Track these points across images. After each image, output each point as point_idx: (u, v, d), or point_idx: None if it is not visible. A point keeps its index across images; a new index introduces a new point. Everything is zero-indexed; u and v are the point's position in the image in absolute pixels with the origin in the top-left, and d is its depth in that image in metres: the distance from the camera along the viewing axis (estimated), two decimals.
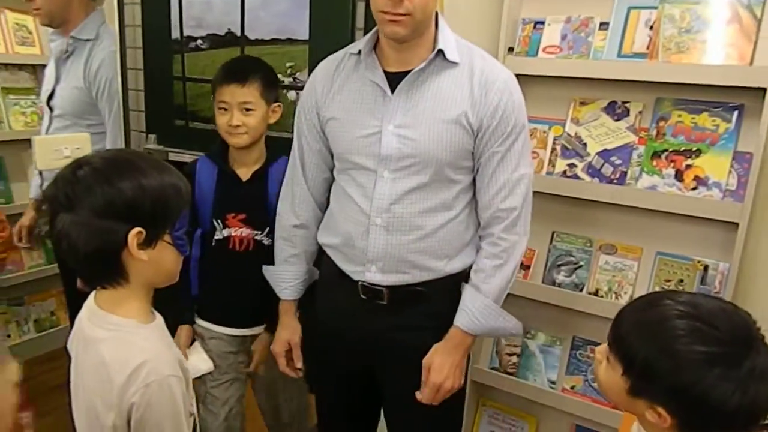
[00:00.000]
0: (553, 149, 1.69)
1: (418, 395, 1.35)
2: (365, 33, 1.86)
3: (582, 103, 1.66)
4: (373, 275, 1.34)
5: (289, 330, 1.52)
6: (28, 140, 2.42)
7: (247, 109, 1.57)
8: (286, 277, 1.52)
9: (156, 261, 0.99)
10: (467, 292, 1.35)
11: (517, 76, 1.62)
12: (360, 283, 1.37)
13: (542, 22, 1.65)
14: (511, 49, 1.68)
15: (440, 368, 1.33)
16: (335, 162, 1.43)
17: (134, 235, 0.95)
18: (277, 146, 1.71)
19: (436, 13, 1.30)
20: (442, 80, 1.29)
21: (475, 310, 1.33)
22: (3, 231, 2.26)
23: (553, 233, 1.74)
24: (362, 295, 1.37)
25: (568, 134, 1.67)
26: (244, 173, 1.65)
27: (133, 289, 1.01)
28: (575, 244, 1.70)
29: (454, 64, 1.29)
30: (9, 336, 2.80)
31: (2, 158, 2.81)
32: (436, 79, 1.29)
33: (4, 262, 2.47)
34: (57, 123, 2.16)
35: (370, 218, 1.32)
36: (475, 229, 1.39)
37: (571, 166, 1.65)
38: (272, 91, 1.62)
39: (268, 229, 1.61)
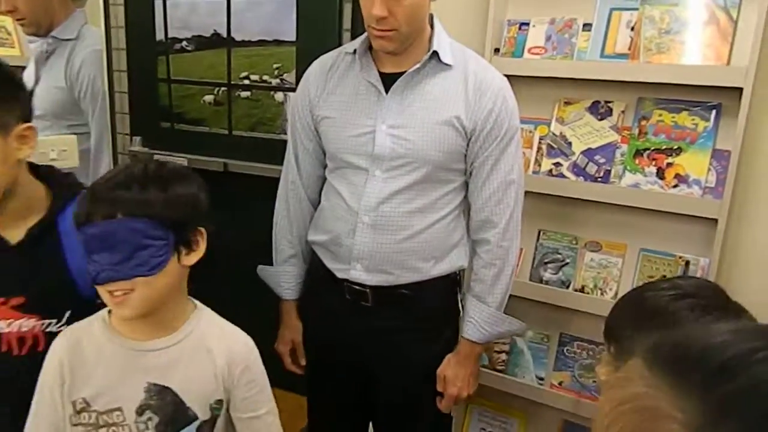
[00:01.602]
0: (539, 149, 1.72)
1: (438, 404, 1.41)
2: (352, 34, 1.88)
3: (567, 103, 1.69)
4: (358, 274, 1.35)
5: (292, 329, 1.53)
6: None
7: None
8: (286, 278, 1.52)
9: None
10: (471, 304, 1.38)
11: (504, 76, 1.66)
12: (345, 283, 1.38)
13: (527, 24, 1.68)
14: (497, 50, 1.70)
15: (455, 379, 1.39)
16: (327, 161, 1.44)
17: None
18: (270, 146, 1.69)
19: (431, 15, 1.32)
20: (437, 82, 1.31)
21: (482, 320, 1.36)
22: None
23: (539, 231, 1.77)
24: (347, 296, 1.38)
25: (554, 134, 1.70)
26: (13, 234, 1.07)
27: None
28: (561, 241, 1.73)
29: (449, 66, 1.30)
30: None
31: None
32: (430, 80, 1.31)
33: None
34: (36, 124, 2.13)
35: (358, 216, 1.33)
36: (463, 231, 1.41)
37: (557, 165, 1.68)
38: (10, 112, 1.03)
39: (69, 313, 1.09)
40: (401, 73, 1.30)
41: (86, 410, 1.00)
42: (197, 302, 1.09)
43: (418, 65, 1.29)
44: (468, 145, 1.32)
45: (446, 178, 1.34)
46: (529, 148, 1.73)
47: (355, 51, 1.34)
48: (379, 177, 1.32)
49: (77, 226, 0.95)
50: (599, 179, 1.63)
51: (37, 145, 1.08)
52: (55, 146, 1.72)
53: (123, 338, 1.02)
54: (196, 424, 1.04)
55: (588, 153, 1.65)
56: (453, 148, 1.30)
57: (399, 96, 1.31)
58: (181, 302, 1.06)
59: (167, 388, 1.02)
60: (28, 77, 2.16)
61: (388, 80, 1.32)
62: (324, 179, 1.47)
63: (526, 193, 1.68)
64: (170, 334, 1.03)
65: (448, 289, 1.41)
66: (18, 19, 2.05)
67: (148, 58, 2.23)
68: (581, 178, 1.65)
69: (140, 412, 1.00)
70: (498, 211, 1.34)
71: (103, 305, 1.01)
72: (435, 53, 1.29)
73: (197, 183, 1.03)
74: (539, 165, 1.71)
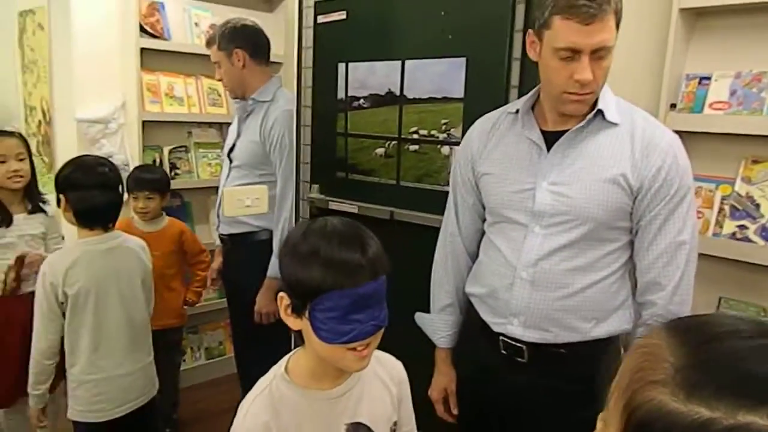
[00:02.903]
0: (721, 209, 1.59)
1: None
2: (519, 91, 1.91)
3: (754, 161, 1.55)
4: (515, 329, 1.35)
5: (447, 377, 1.56)
6: (212, 188, 2.76)
7: None
8: (442, 326, 1.57)
9: (306, 334, 1.03)
10: None
11: (680, 132, 1.57)
12: (501, 337, 1.37)
13: (708, 78, 1.59)
14: (673, 106, 1.63)
15: None
16: (487, 215, 1.46)
17: (280, 297, 1.04)
18: (434, 197, 1.75)
19: None
20: (601, 140, 1.29)
21: None
22: (205, 270, 2.63)
23: (720, 299, 1.62)
24: (503, 350, 1.38)
25: (738, 194, 1.56)
26: None
27: (307, 350, 1.08)
28: (746, 311, 1.57)
29: (614, 124, 1.28)
30: (184, 360, 3.13)
31: (190, 203, 3.22)
32: (594, 138, 1.29)
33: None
34: (235, 173, 2.45)
35: (516, 271, 1.33)
36: (628, 293, 1.34)
37: (742, 227, 1.54)
38: None
39: None
40: (563, 132, 1.30)
41: None
42: None
43: (582, 123, 1.29)
44: (634, 203, 1.27)
45: (610, 237, 1.30)
46: (708, 209, 1.60)
47: (517, 111, 1.37)
48: (539, 233, 1.32)
49: (324, 291, 0.96)
50: None
51: None
52: (250, 195, 1.96)
53: (316, 392, 1.08)
54: None
55: None
56: (617, 206, 1.27)
57: (561, 154, 1.31)
58: None
59: (360, 423, 1.10)
60: (231, 131, 2.51)
61: (550, 138, 1.32)
62: (483, 233, 1.50)
63: (705, 256, 1.56)
64: (349, 376, 1.10)
65: (609, 353, 1.35)
66: (224, 86, 2.43)
67: (330, 114, 2.46)
68: None
69: None
70: (666, 273, 1.27)
71: None
72: (599, 111, 1.28)
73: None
74: (720, 227, 1.58)
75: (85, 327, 1.79)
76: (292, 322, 1.03)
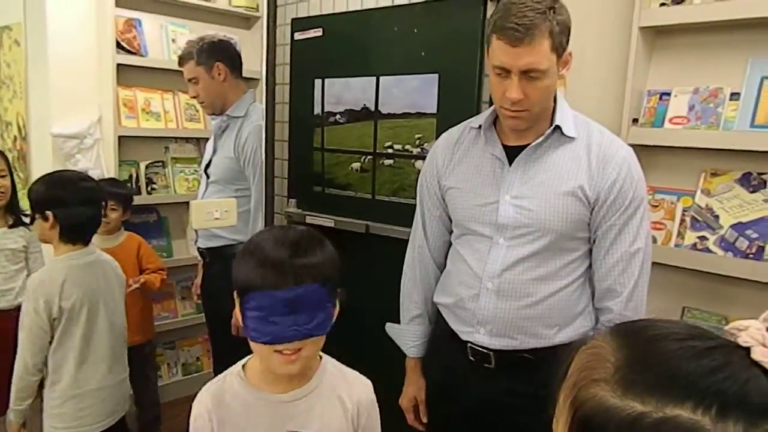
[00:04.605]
0: (682, 221, 1.64)
1: None
2: (490, 105, 1.96)
3: (713, 174, 1.61)
4: (482, 337, 1.38)
5: (416, 386, 1.58)
6: (188, 203, 2.77)
7: None
8: (411, 336, 1.59)
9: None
10: None
11: (642, 146, 1.63)
12: (469, 344, 1.41)
13: (668, 93, 1.65)
14: (635, 120, 1.68)
15: None
16: (453, 227, 1.50)
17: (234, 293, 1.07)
18: (409, 211, 1.79)
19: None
20: (559, 154, 1.33)
21: None
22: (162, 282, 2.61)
23: (683, 308, 1.67)
24: (471, 357, 1.41)
25: (698, 206, 1.61)
26: None
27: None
28: (708, 321, 1.61)
29: (571, 138, 1.33)
30: (161, 376, 3.10)
31: (166, 218, 3.22)
32: (553, 152, 1.34)
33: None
34: (212, 188, 2.47)
35: (482, 282, 1.37)
36: (588, 299, 1.38)
37: (702, 238, 1.59)
38: None
39: None
40: (525, 146, 1.35)
41: None
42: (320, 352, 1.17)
43: (540, 139, 1.33)
44: (591, 214, 1.31)
45: (570, 247, 1.34)
46: (670, 220, 1.66)
47: (480, 126, 1.42)
48: (503, 245, 1.35)
49: (252, 289, 1.00)
50: (751, 255, 1.51)
51: None
52: (219, 208, 1.98)
53: (265, 393, 1.10)
54: None
55: (738, 227, 1.54)
56: (576, 218, 1.31)
57: (522, 168, 1.35)
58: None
59: None
60: (209, 148, 2.53)
61: (512, 153, 1.36)
62: (450, 244, 1.53)
63: (668, 267, 1.61)
64: (305, 384, 1.12)
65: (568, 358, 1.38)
66: (200, 103, 2.44)
67: (307, 129, 2.49)
68: (730, 253, 1.54)
69: None
70: (622, 280, 1.31)
71: None
72: (557, 127, 1.32)
73: (334, 251, 1.10)
74: (682, 238, 1.63)
75: (72, 341, 1.79)
76: (237, 319, 1.07)
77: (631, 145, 1.63)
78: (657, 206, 1.67)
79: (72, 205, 1.79)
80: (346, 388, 1.15)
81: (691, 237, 1.61)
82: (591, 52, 1.77)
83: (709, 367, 0.48)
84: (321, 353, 1.17)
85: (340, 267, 1.08)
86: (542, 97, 1.27)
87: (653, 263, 1.58)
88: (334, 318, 1.08)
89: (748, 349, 0.49)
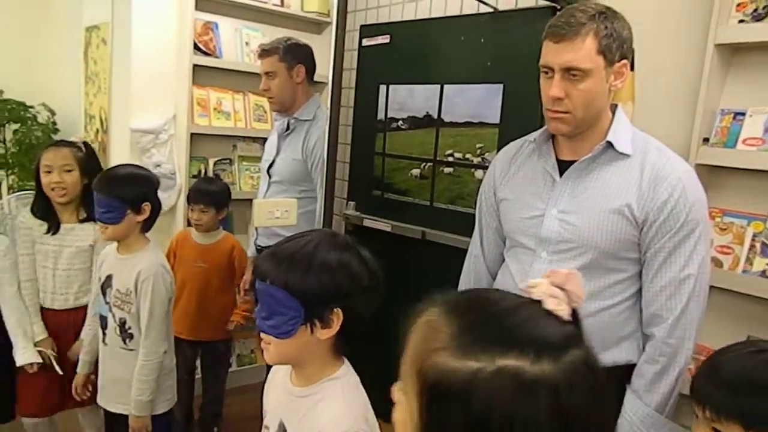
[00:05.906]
0: (752, 246, 1.57)
1: None
2: None
3: None
4: None
5: None
6: (251, 200, 2.87)
7: None
8: None
9: None
10: (628, 399, 1.29)
11: (712, 167, 1.58)
12: None
13: (743, 113, 1.59)
14: (706, 140, 1.63)
15: None
16: (505, 239, 1.50)
17: None
18: (466, 219, 1.79)
19: (615, 105, 1.34)
20: (611, 171, 1.30)
21: (637, 419, 1.27)
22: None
23: (748, 336, 1.60)
24: None
25: None
26: None
27: None
28: None
29: (626, 156, 1.29)
30: None
31: (231, 213, 3.33)
32: (605, 169, 1.31)
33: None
34: (274, 188, 2.53)
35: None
36: (637, 324, 1.34)
37: None
38: None
39: None
40: (577, 161, 1.33)
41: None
42: (341, 369, 1.11)
43: (592, 154, 1.31)
44: (640, 234, 1.28)
45: (617, 267, 1.31)
46: (740, 245, 1.59)
47: (534, 139, 1.41)
48: (545, 259, 1.34)
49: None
50: None
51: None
52: (280, 207, 2.05)
53: (288, 379, 1.16)
54: None
55: None
56: (622, 237, 1.28)
57: (572, 183, 1.33)
58: (322, 364, 1.10)
59: (285, 430, 1.13)
60: (270, 147, 2.59)
61: (565, 167, 1.35)
62: (503, 254, 1.53)
63: (734, 293, 1.56)
64: (306, 387, 1.12)
65: (612, 383, 1.34)
66: (269, 98, 2.50)
67: (369, 134, 2.53)
68: None
69: None
70: (668, 306, 1.26)
71: None
72: (609, 143, 1.29)
73: (345, 272, 1.06)
74: (750, 264, 1.56)
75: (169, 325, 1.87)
76: None
77: (700, 166, 1.59)
78: (725, 230, 1.61)
79: (156, 196, 1.87)
80: (325, 423, 1.05)
81: (760, 263, 1.54)
82: (664, 69, 1.72)
83: (521, 320, 0.60)
84: (340, 370, 1.11)
85: (335, 292, 1.03)
86: (584, 100, 1.25)
87: (717, 288, 1.54)
88: (310, 331, 1.04)
89: (540, 302, 0.62)
